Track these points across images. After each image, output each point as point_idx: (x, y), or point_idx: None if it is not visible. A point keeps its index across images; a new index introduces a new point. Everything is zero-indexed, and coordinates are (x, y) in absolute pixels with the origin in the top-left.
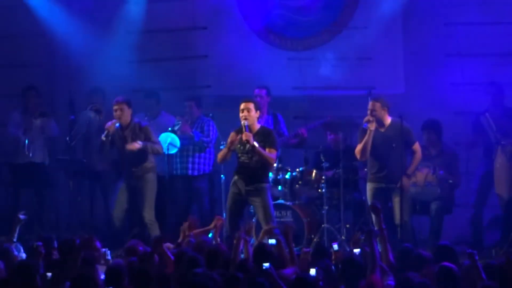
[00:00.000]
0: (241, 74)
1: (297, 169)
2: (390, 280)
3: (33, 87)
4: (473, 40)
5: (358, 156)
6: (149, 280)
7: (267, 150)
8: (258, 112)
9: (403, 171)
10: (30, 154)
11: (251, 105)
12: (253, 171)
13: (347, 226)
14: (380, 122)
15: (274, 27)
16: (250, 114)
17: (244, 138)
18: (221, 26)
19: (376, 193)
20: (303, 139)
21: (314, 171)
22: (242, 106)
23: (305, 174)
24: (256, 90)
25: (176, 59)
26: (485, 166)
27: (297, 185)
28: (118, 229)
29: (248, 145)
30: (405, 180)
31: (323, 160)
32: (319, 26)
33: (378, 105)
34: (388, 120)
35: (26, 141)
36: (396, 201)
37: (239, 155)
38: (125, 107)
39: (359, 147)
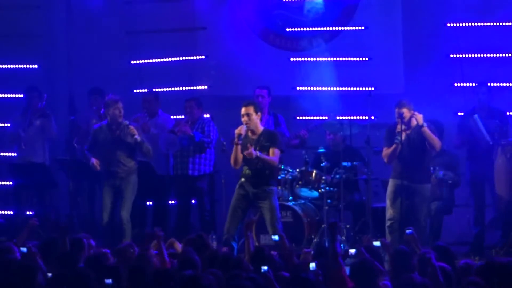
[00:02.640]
0: (241, 74)
1: (297, 169)
2: (386, 280)
3: (36, 88)
4: (473, 40)
5: (385, 159)
6: (146, 280)
7: (270, 150)
8: (259, 113)
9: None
10: (28, 152)
11: (251, 109)
12: (260, 174)
13: (347, 226)
14: (407, 125)
15: (274, 27)
16: (251, 118)
17: (246, 155)
18: (221, 26)
19: (397, 189)
20: (303, 140)
21: (314, 171)
22: (242, 111)
23: (305, 174)
24: (257, 90)
25: (176, 59)
26: (471, 167)
27: (297, 185)
28: (105, 229)
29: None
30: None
31: (323, 161)
32: (319, 26)
33: (406, 110)
34: (414, 122)
35: (23, 136)
36: (415, 200)
37: (247, 159)
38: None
39: (387, 152)
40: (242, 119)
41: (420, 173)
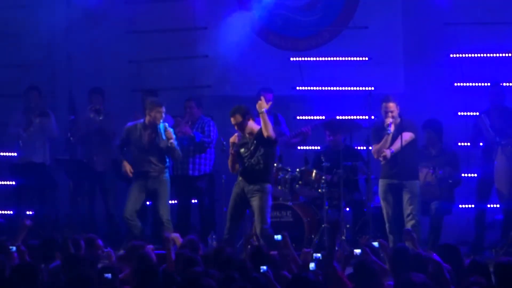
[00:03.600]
0: (241, 74)
1: (297, 169)
2: (391, 281)
3: (36, 87)
4: (473, 40)
5: (375, 155)
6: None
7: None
8: (247, 117)
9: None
10: (28, 152)
11: (238, 117)
12: (256, 170)
13: (347, 226)
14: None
15: (274, 27)
16: (241, 127)
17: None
18: (221, 26)
19: (388, 188)
20: (306, 137)
21: (314, 171)
22: (231, 120)
23: (305, 174)
24: (269, 95)
25: (176, 59)
26: (482, 167)
27: (297, 185)
28: (133, 228)
29: (250, 145)
30: (384, 152)
31: (323, 160)
32: (319, 26)
33: (393, 104)
34: (398, 120)
35: (21, 141)
36: (406, 197)
37: (243, 157)
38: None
39: (376, 147)
40: (235, 127)
41: (407, 170)
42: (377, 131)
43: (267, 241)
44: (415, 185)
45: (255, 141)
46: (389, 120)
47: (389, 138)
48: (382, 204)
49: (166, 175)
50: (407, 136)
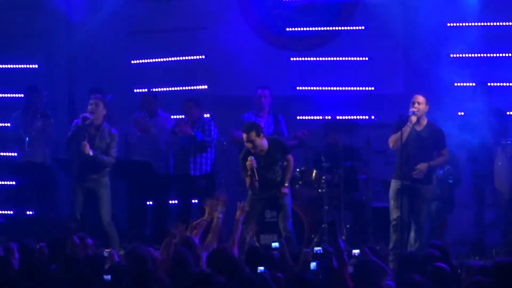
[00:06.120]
0: (241, 74)
1: (297, 169)
2: (389, 281)
3: (36, 87)
4: (473, 40)
5: (391, 144)
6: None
7: (287, 157)
8: (261, 135)
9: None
10: (29, 152)
11: (253, 135)
12: (277, 182)
13: (347, 226)
14: (418, 119)
15: (274, 27)
16: (255, 144)
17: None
18: (221, 26)
19: (400, 190)
20: (302, 141)
21: (314, 171)
22: (244, 137)
23: (306, 174)
24: (259, 91)
25: (175, 59)
26: (472, 166)
27: (297, 185)
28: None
29: (263, 161)
30: (422, 166)
31: (323, 160)
32: (319, 26)
33: (423, 99)
34: (425, 120)
35: (27, 140)
36: (417, 201)
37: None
38: (101, 104)
39: (394, 136)
40: (246, 145)
41: (425, 173)
42: (400, 124)
43: (288, 237)
44: (429, 190)
45: (270, 158)
46: (412, 108)
47: (410, 124)
48: (392, 203)
49: (106, 179)
50: (446, 155)
